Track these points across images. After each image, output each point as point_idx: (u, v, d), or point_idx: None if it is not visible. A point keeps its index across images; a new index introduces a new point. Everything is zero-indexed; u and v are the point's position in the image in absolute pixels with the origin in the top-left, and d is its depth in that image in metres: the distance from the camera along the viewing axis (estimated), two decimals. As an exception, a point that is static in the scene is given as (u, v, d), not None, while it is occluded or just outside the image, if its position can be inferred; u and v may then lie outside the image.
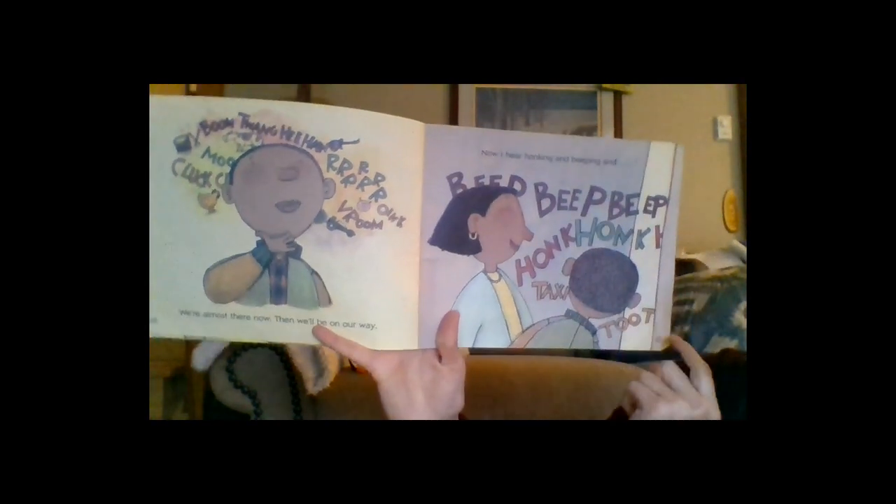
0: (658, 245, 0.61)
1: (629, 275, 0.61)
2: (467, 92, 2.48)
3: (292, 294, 0.54)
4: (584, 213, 0.60)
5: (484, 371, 1.06)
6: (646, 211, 0.61)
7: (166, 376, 1.80)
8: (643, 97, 2.53)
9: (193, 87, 2.79)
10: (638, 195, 0.60)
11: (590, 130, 2.51)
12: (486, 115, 2.49)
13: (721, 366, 0.61)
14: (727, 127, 2.58)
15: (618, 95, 2.53)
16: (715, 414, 0.55)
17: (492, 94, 2.50)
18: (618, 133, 2.50)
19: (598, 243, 0.60)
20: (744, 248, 2.00)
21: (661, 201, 0.61)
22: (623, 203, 0.60)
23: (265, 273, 0.53)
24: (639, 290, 0.61)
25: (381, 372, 0.55)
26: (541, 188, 0.58)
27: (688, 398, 0.54)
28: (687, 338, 1.43)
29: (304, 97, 2.22)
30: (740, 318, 1.39)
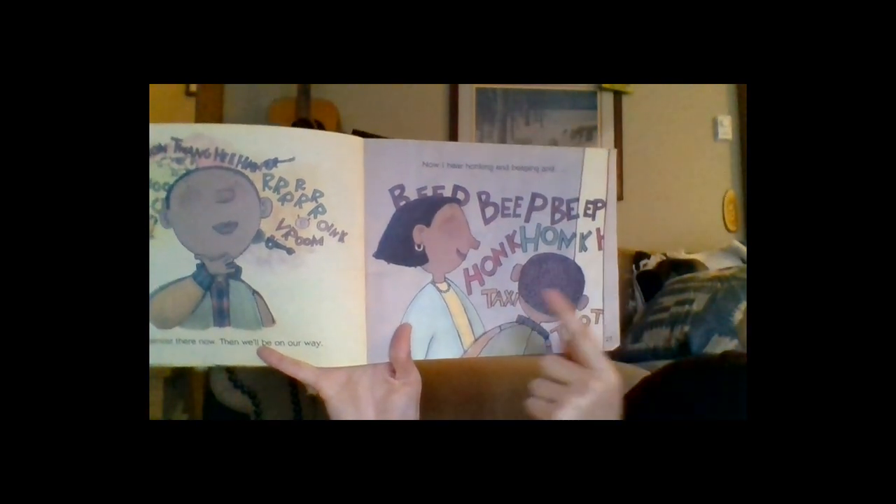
0: (600, 247, 0.62)
1: (576, 277, 0.62)
2: (467, 92, 2.48)
3: (235, 315, 0.53)
4: (527, 220, 0.60)
5: (481, 371, 1.06)
6: (586, 214, 0.62)
7: (166, 376, 1.80)
8: (643, 97, 2.53)
9: (193, 87, 2.80)
10: (577, 200, 0.61)
11: (590, 130, 2.51)
12: (486, 115, 2.49)
13: (723, 368, 0.61)
14: (727, 127, 2.58)
15: (618, 95, 2.53)
16: (612, 376, 0.53)
17: (492, 94, 2.49)
18: (618, 133, 2.50)
19: (543, 248, 0.61)
20: (744, 248, 2.00)
21: (599, 204, 0.62)
22: (564, 208, 0.61)
23: (207, 296, 0.53)
24: (586, 291, 0.62)
25: (328, 390, 0.54)
26: (484, 196, 0.59)
27: (574, 387, 0.52)
28: (686, 338, 1.43)
29: (305, 97, 2.22)
30: (740, 318, 1.39)
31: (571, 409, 0.52)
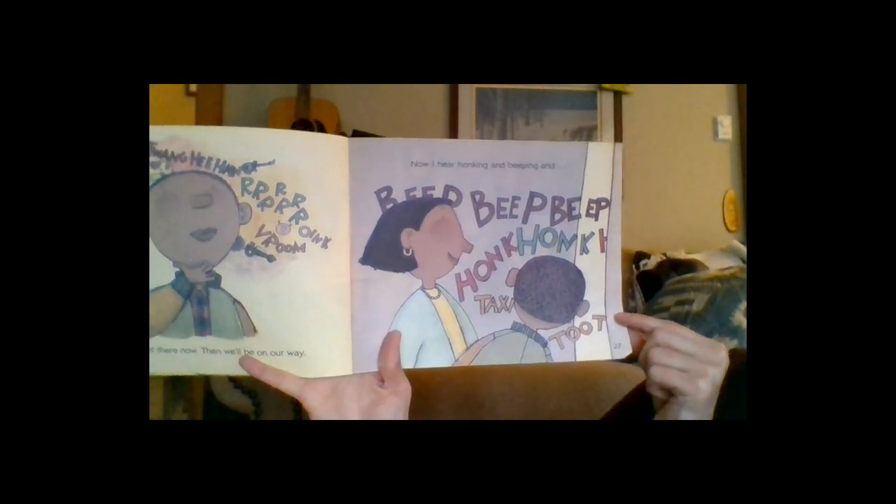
0: (603, 249, 0.59)
1: (575, 282, 0.59)
2: (467, 92, 2.48)
3: (216, 325, 0.52)
4: (525, 221, 0.57)
5: (482, 371, 1.07)
6: (588, 214, 0.58)
7: (166, 376, 1.80)
8: (643, 97, 2.53)
9: (193, 87, 2.80)
10: (579, 199, 0.58)
11: (590, 130, 2.51)
12: (486, 115, 2.49)
13: (731, 367, 0.60)
14: (727, 127, 2.58)
15: (618, 95, 2.53)
16: (724, 351, 0.54)
17: (492, 94, 2.50)
18: (618, 133, 2.50)
19: (542, 251, 0.58)
20: (744, 248, 2.00)
21: (603, 203, 0.59)
22: (564, 208, 0.58)
23: (187, 304, 0.52)
24: (586, 297, 0.59)
25: (312, 401, 0.53)
26: (478, 197, 0.56)
27: (705, 357, 0.53)
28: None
29: (305, 97, 2.22)
30: (740, 318, 1.39)
31: (710, 381, 0.52)
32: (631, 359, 0.61)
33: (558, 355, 0.59)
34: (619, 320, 0.60)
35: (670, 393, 0.54)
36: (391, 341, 0.54)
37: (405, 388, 0.55)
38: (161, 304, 0.52)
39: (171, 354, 0.52)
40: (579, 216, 0.58)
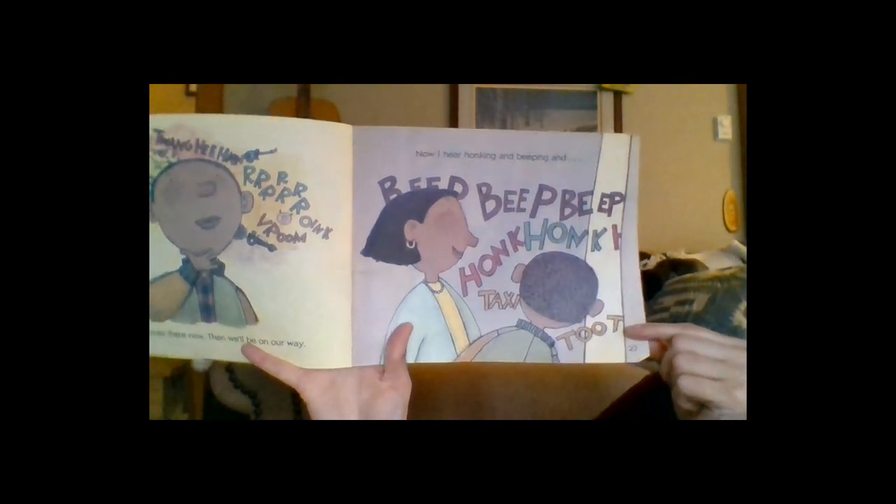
0: (617, 246, 0.56)
1: (587, 279, 0.56)
2: (467, 92, 2.48)
3: (220, 312, 0.53)
4: (533, 215, 0.55)
5: (483, 371, 1.06)
6: (601, 209, 0.56)
7: (166, 376, 1.80)
8: (643, 97, 2.53)
9: (193, 87, 2.80)
10: (591, 193, 0.55)
11: (590, 130, 2.51)
12: (486, 116, 2.49)
13: None
14: (727, 127, 2.58)
15: (618, 95, 2.53)
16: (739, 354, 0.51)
17: (492, 95, 2.50)
18: (618, 133, 2.50)
19: (550, 246, 0.56)
20: (744, 248, 2.00)
21: (617, 198, 0.56)
22: (575, 202, 0.55)
23: (193, 291, 0.53)
24: (600, 296, 0.56)
25: (310, 392, 0.53)
26: (484, 189, 0.54)
27: (736, 362, 0.49)
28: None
29: (305, 97, 2.22)
30: (740, 318, 1.39)
31: (743, 389, 0.48)
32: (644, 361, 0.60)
33: (566, 356, 0.56)
34: (630, 335, 0.56)
35: (702, 405, 0.51)
36: (401, 333, 0.54)
37: (405, 383, 0.54)
38: (169, 290, 0.53)
39: (181, 339, 0.53)
40: (591, 211, 0.56)
